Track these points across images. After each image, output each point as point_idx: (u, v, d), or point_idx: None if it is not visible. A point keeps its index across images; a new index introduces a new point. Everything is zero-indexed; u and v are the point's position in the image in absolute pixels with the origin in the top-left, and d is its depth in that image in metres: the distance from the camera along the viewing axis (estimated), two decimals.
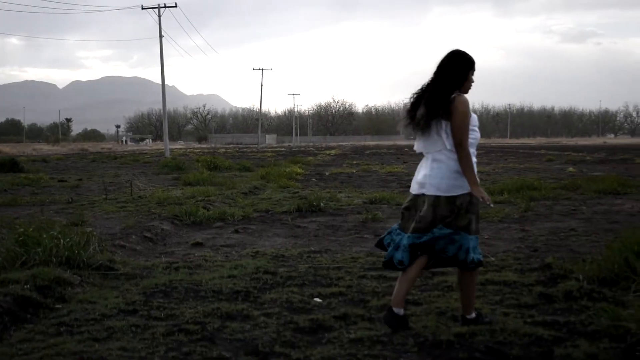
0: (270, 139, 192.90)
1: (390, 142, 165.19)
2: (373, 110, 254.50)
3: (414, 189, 6.80)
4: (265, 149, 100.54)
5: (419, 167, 6.89)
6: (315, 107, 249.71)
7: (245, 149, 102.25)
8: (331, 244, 12.01)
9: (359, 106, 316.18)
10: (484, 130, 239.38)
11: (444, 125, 6.55)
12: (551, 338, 6.31)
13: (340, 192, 22.08)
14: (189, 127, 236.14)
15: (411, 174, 26.91)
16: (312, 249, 11.45)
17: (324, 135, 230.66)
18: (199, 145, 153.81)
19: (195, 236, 12.96)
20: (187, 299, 7.98)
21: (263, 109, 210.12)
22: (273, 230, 13.76)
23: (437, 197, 6.55)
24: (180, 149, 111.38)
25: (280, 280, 8.90)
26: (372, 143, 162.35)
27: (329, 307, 7.59)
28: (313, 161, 48.66)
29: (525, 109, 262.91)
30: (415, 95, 6.81)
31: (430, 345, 6.20)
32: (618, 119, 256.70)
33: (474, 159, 6.67)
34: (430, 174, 6.62)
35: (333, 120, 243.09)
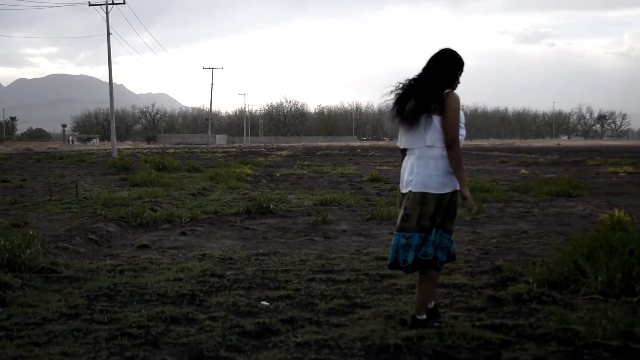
0: (220, 140, 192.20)
1: (343, 143, 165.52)
2: (325, 111, 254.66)
3: (402, 187, 6.84)
4: (215, 150, 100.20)
5: (404, 164, 6.89)
6: (267, 107, 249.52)
7: (195, 150, 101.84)
8: (280, 246, 12.00)
9: (312, 106, 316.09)
10: None
11: (434, 121, 6.58)
12: (499, 341, 6.35)
13: (290, 193, 22.07)
14: (138, 126, 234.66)
15: (363, 175, 27.22)
16: (261, 251, 11.43)
17: (276, 135, 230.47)
18: (147, 146, 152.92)
19: (142, 238, 12.87)
20: (132, 303, 7.92)
21: (213, 108, 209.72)
22: (221, 232, 13.72)
23: (424, 194, 6.59)
24: (129, 149, 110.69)
25: (227, 283, 8.87)
26: (324, 144, 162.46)
27: (276, 310, 7.58)
28: (264, 162, 48.60)
29: (479, 110, 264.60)
30: (402, 89, 6.80)
31: (378, 349, 6.21)
32: (571, 120, 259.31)
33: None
34: (417, 171, 6.66)
35: (285, 121, 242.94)
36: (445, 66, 6.69)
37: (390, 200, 19.25)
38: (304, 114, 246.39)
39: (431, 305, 6.97)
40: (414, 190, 6.64)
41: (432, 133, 6.59)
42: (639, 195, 21.03)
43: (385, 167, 39.77)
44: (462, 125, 6.71)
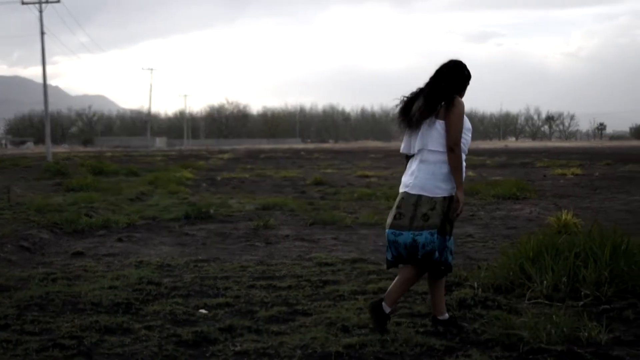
0: (160, 142, 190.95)
1: (287, 146, 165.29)
2: (268, 112, 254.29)
3: (402, 187, 7.00)
4: (154, 153, 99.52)
5: (407, 167, 7.07)
6: (208, 109, 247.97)
7: (133, 153, 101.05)
8: (220, 252, 11.96)
9: (254, 108, 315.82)
10: (383, 134, 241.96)
11: (437, 125, 6.79)
12: (443, 348, 6.39)
13: (231, 197, 21.99)
14: (74, 129, 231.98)
15: (307, 179, 27.18)
16: (200, 257, 11.37)
17: (218, 138, 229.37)
18: (84, 149, 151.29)
19: (76, 245, 12.75)
20: (64, 312, 7.84)
21: (153, 110, 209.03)
22: (159, 239, 13.64)
23: (419, 197, 6.76)
24: (64, 152, 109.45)
25: (165, 291, 8.82)
26: (267, 146, 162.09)
27: (215, 318, 7.56)
28: (205, 165, 48.38)
29: None
30: (410, 96, 7.02)
31: (319, 357, 6.22)
32: (519, 121, 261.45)
33: (464, 163, 6.90)
34: (418, 174, 6.84)
35: (227, 123, 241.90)
36: (456, 75, 6.94)
37: (334, 205, 19.29)
38: (247, 115, 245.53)
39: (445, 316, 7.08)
40: (411, 192, 6.82)
41: (435, 137, 6.81)
42: (586, 198, 21.31)
43: (329, 170, 39.80)
44: (468, 131, 6.96)
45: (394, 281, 7.07)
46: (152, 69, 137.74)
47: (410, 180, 6.89)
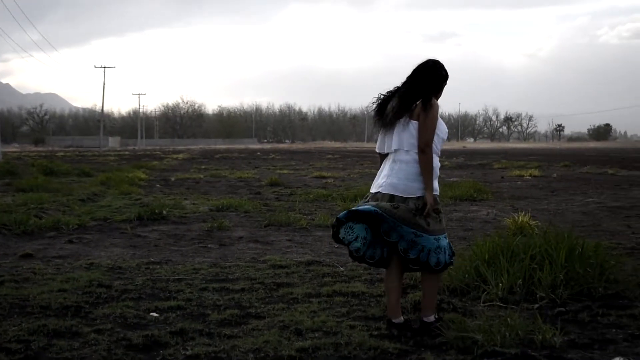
0: (113, 142, 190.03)
1: (242, 146, 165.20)
2: (224, 112, 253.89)
3: (373, 187, 7.12)
4: (107, 153, 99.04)
5: (381, 167, 7.16)
6: (163, 108, 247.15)
7: (86, 153, 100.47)
8: (172, 254, 11.91)
9: (210, 107, 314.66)
10: (341, 134, 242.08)
11: (411, 126, 6.87)
12: (397, 351, 6.41)
13: (185, 198, 21.93)
14: (25, 128, 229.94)
15: (262, 180, 27.12)
16: (152, 259, 11.31)
17: (172, 138, 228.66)
18: (35, 148, 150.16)
19: (25, 247, 12.62)
20: (12, 316, 7.76)
21: (106, 109, 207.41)
22: (110, 240, 13.54)
23: (391, 197, 6.84)
24: (15, 152, 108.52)
25: (115, 294, 8.75)
26: (223, 146, 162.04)
27: (166, 322, 7.52)
28: (159, 165, 48.23)
29: None
30: (385, 95, 7.10)
31: None
32: (477, 122, 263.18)
33: (438, 164, 6.99)
34: (390, 173, 6.93)
35: (182, 122, 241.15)
36: (433, 75, 7.01)
37: (289, 206, 19.28)
38: (202, 115, 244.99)
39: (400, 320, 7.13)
40: (384, 192, 6.91)
41: (408, 138, 6.89)
42: (544, 199, 21.47)
43: (285, 171, 39.78)
44: (442, 133, 7.02)
45: (422, 293, 7.19)
46: (105, 67, 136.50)
47: (383, 180, 6.99)
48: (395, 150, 6.97)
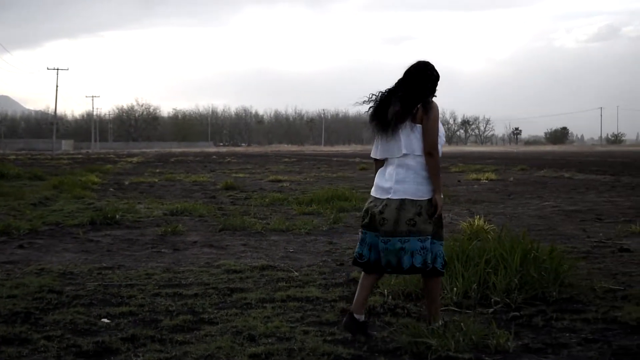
0: (66, 145, 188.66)
1: (198, 149, 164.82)
2: (180, 115, 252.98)
3: (377, 193, 7.11)
4: (60, 156, 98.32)
5: (380, 172, 7.19)
6: (117, 111, 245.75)
7: (39, 156, 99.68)
8: (125, 259, 11.84)
9: (165, 110, 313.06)
10: (298, 137, 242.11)
11: (413, 129, 6.93)
12: (350, 357, 6.42)
13: (139, 203, 21.83)
14: None
15: (217, 183, 27.01)
16: (104, 265, 11.24)
17: (127, 141, 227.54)
18: None
19: None
20: None
21: (59, 112, 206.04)
22: (62, 245, 13.43)
23: (402, 201, 6.88)
24: None
25: (66, 300, 8.69)
26: (178, 150, 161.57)
27: (118, 328, 7.48)
28: (112, 169, 47.99)
29: (341, 115, 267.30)
30: (379, 99, 7.11)
31: None
32: None
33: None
34: (397, 178, 6.96)
35: (136, 125, 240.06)
36: (427, 76, 7.06)
37: (245, 210, 19.25)
38: (157, 118, 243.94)
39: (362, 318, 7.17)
40: (393, 197, 6.93)
41: (411, 141, 6.95)
42: (500, 203, 21.61)
43: (241, 175, 39.72)
44: (442, 135, 7.09)
45: (358, 290, 7.19)
46: (58, 69, 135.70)
47: (389, 184, 7.01)
48: (406, 155, 6.99)
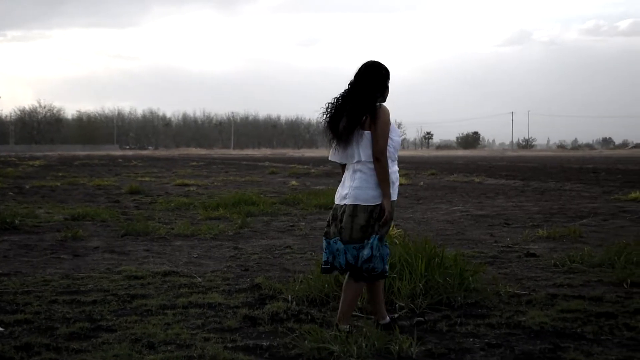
0: None
1: (103, 152, 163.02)
2: (84, 117, 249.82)
3: (337, 199, 7.31)
4: None
5: (343, 178, 7.38)
6: (19, 112, 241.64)
7: None
8: (22, 265, 11.65)
9: (69, 112, 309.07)
10: (206, 140, 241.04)
11: (365, 136, 7.07)
12: None
13: (40, 207, 21.53)
14: None
15: (122, 187, 26.74)
16: (0, 271, 11.06)
17: (29, 144, 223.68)
18: None
19: None
20: None
21: None
22: None
23: (355, 207, 7.06)
24: None
25: None
26: (82, 153, 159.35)
27: (12, 336, 7.35)
28: (13, 173, 47.14)
29: (250, 118, 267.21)
30: (332, 107, 7.28)
31: None
32: None
33: (396, 167, 7.31)
34: (350, 184, 7.17)
35: (39, 128, 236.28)
36: (374, 78, 7.19)
37: (149, 215, 19.11)
38: (61, 120, 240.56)
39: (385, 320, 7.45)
40: (348, 203, 7.13)
41: (364, 148, 7.10)
42: (409, 208, 21.81)
43: (147, 179, 39.42)
44: (396, 136, 7.24)
45: (342, 300, 7.31)
46: None
47: (345, 191, 7.24)
48: (358, 162, 7.16)
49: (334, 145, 7.32)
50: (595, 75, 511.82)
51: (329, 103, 7.33)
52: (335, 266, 7.29)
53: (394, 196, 7.24)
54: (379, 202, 7.08)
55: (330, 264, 7.34)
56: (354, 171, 7.21)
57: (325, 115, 7.34)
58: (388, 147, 7.11)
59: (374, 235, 7.08)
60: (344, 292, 7.31)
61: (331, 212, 7.41)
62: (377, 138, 7.03)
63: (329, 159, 7.50)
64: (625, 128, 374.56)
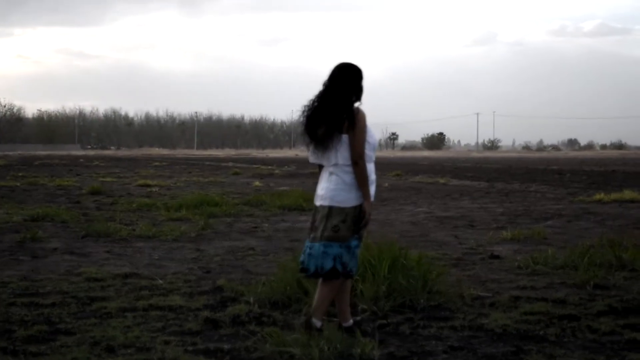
0: None
1: (64, 152, 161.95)
2: (45, 116, 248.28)
3: (315, 200, 7.42)
4: None
5: (320, 179, 7.42)
6: None
7: None
8: None
9: (29, 111, 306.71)
10: (169, 140, 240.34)
11: (343, 140, 7.13)
12: None
13: None
14: None
15: (83, 188, 26.60)
16: None
17: None
18: None
19: None
20: None
21: None
22: None
23: (330, 208, 7.12)
24: None
25: None
26: (43, 153, 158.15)
27: None
28: None
29: (214, 118, 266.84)
30: (309, 110, 7.31)
31: None
32: None
33: (374, 175, 7.43)
34: (327, 186, 7.22)
35: None
36: (349, 80, 7.27)
37: (110, 216, 19.01)
38: (21, 119, 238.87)
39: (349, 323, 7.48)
40: (324, 204, 7.20)
41: (342, 152, 7.16)
42: (373, 209, 21.74)
43: (109, 179, 39.22)
44: (372, 140, 7.36)
45: (317, 294, 7.34)
46: None
47: (321, 192, 7.29)
48: (336, 165, 7.21)
49: (311, 148, 7.36)
50: (561, 76, 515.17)
51: (305, 106, 7.37)
52: (308, 268, 7.29)
53: (372, 197, 7.34)
54: (355, 204, 7.15)
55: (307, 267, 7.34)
56: (330, 173, 7.25)
57: (302, 118, 7.38)
58: (365, 150, 7.19)
59: (355, 236, 7.20)
60: (319, 287, 7.34)
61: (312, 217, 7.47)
62: (354, 143, 7.11)
63: (310, 161, 7.54)
64: (591, 129, 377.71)
